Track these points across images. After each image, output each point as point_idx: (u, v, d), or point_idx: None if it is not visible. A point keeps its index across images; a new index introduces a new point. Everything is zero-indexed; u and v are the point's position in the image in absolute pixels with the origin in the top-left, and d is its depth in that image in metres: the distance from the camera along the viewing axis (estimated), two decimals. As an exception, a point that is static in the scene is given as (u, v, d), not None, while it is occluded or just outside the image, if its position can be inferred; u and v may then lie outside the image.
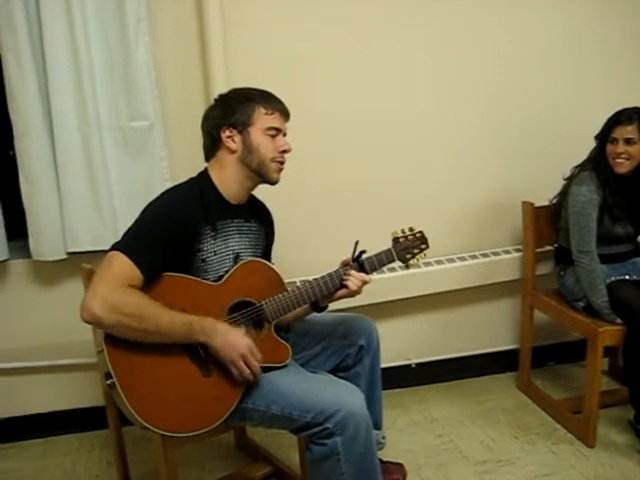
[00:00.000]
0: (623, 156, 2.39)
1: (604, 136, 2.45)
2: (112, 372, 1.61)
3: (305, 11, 2.49)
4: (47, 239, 2.36)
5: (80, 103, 2.27)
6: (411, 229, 1.99)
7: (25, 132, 2.27)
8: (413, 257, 1.97)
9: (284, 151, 1.88)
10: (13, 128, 2.27)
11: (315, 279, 1.89)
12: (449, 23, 2.65)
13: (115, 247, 1.69)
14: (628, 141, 2.37)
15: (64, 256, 2.39)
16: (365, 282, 1.89)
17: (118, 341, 1.63)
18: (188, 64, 2.41)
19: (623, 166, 2.40)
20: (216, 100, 1.93)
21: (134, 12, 2.24)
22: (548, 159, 2.81)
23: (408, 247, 1.97)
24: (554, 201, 2.62)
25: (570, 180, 2.52)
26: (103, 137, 2.33)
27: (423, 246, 1.99)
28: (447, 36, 2.66)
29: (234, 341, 1.69)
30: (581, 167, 2.51)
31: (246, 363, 1.70)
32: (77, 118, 2.28)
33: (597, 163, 2.46)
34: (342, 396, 1.71)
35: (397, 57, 2.63)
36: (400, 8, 2.58)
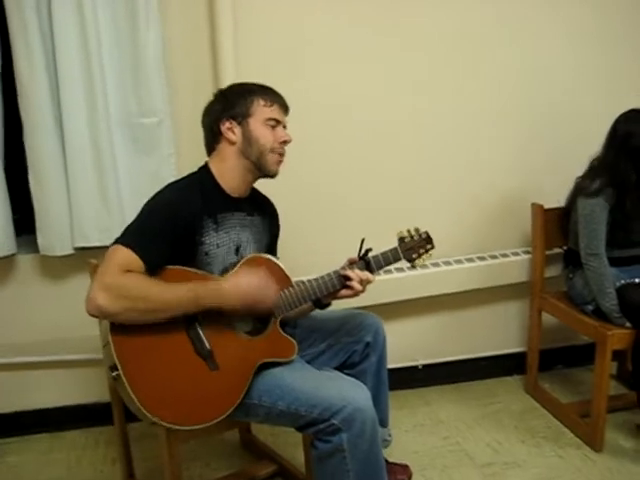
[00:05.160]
0: None
1: (630, 152, 2.37)
2: (118, 364, 1.60)
3: (317, 7, 2.49)
4: (55, 234, 2.37)
5: (90, 99, 2.27)
6: (417, 229, 1.98)
7: (35, 128, 2.27)
8: (419, 257, 1.97)
9: (284, 142, 1.89)
10: (23, 123, 2.28)
11: (321, 276, 1.89)
12: (462, 20, 2.64)
13: (117, 241, 1.69)
14: None
15: (72, 251, 2.39)
16: (367, 281, 1.89)
17: (124, 333, 1.63)
18: (198, 60, 2.42)
19: None
20: (215, 95, 1.95)
21: (144, 8, 2.25)
22: (558, 161, 2.80)
23: (414, 247, 1.96)
24: (565, 203, 2.60)
25: (581, 182, 2.49)
26: (112, 133, 2.33)
27: (429, 246, 1.98)
28: (459, 34, 2.65)
29: (243, 291, 1.72)
30: (594, 170, 2.47)
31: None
32: (87, 114, 2.28)
33: (612, 168, 2.39)
34: (348, 392, 1.70)
35: (410, 54, 2.62)
36: (414, 3, 2.58)
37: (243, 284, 1.73)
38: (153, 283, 1.64)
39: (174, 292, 1.65)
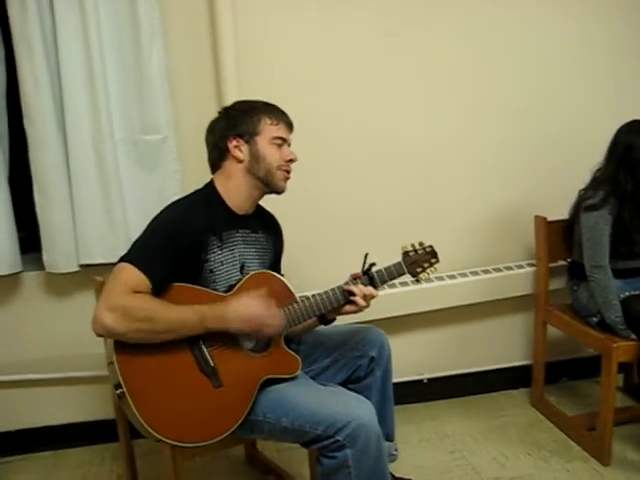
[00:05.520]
0: None
1: (630, 164, 2.38)
2: (122, 382, 1.61)
3: (321, 22, 2.51)
4: (60, 252, 2.38)
5: (94, 116, 2.29)
6: (421, 243, 1.99)
7: (40, 145, 2.29)
8: (423, 271, 1.97)
9: (290, 160, 1.90)
10: (28, 141, 2.29)
11: (325, 292, 1.89)
12: (465, 41, 2.66)
13: (122, 259, 1.70)
14: None
15: (77, 269, 2.40)
16: (371, 296, 1.89)
17: (128, 351, 1.63)
18: (201, 77, 2.44)
19: None
20: (220, 112, 1.96)
21: (147, 26, 2.27)
22: (561, 173, 2.80)
23: (418, 261, 1.96)
24: (568, 216, 2.60)
25: (584, 194, 2.50)
26: (116, 150, 2.35)
27: (433, 260, 1.99)
28: (463, 54, 2.67)
29: (247, 314, 1.72)
30: (596, 182, 2.47)
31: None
32: (91, 131, 2.30)
33: (614, 180, 2.39)
34: (352, 408, 1.70)
35: (414, 71, 2.64)
36: (419, 22, 2.60)
37: (248, 308, 1.73)
38: (160, 304, 1.65)
39: (180, 314, 1.66)
